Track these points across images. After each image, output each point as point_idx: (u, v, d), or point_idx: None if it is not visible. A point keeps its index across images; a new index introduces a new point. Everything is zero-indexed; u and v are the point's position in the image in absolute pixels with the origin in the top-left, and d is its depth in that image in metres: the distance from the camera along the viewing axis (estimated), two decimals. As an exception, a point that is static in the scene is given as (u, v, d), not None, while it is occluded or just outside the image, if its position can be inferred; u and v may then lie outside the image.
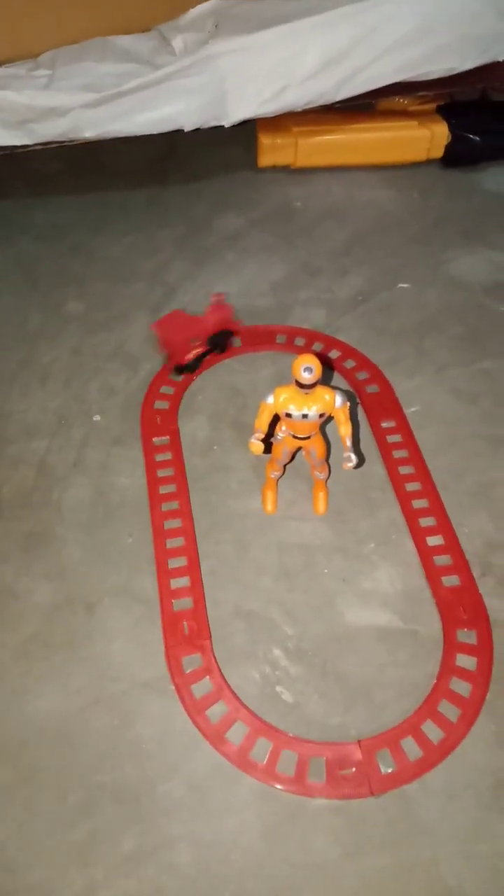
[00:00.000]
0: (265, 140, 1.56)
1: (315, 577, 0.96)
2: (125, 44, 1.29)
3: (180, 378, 1.16)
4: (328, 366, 1.20)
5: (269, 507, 1.03)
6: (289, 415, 0.86)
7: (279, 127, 1.56)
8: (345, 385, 1.18)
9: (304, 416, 0.85)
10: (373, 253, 1.44)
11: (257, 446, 0.87)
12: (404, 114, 1.60)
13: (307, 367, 0.79)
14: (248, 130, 1.62)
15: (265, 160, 1.59)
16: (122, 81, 1.19)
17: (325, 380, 1.08)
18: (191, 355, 1.14)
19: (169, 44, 1.28)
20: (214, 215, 1.53)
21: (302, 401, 0.84)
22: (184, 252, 1.45)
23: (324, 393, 0.84)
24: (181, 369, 1.15)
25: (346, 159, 1.60)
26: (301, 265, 1.41)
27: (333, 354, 1.23)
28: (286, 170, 1.64)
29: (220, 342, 1.18)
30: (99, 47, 1.28)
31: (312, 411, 0.85)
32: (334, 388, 0.85)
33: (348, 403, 0.85)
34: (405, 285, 1.36)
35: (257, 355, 1.25)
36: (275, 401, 0.85)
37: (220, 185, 1.62)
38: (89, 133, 1.22)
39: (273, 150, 1.57)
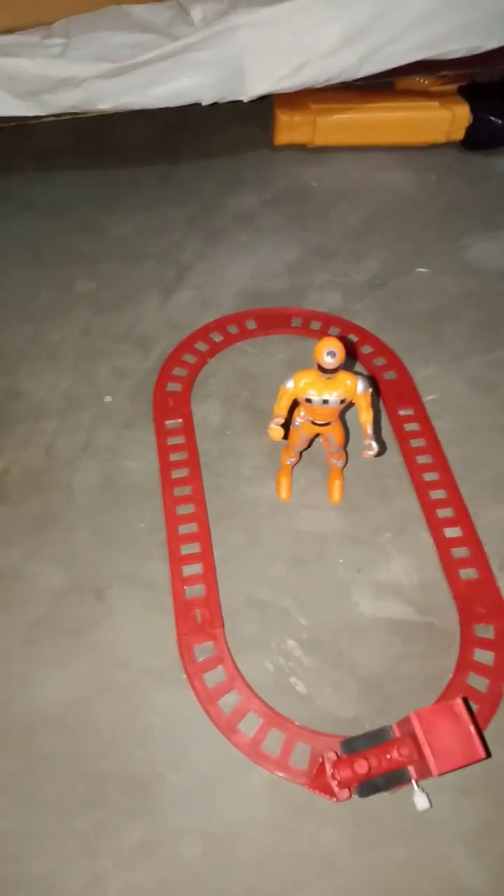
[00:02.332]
0: (283, 117, 1.52)
1: (329, 566, 0.94)
2: (142, 13, 1.24)
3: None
4: (351, 351, 1.17)
5: (284, 493, 1.01)
6: (309, 400, 0.83)
7: (297, 104, 1.52)
8: (361, 371, 1.16)
9: (325, 401, 0.83)
10: (389, 236, 1.41)
11: (277, 432, 0.85)
12: (424, 94, 1.56)
13: (330, 351, 0.77)
14: (262, 107, 1.58)
15: (282, 138, 1.55)
16: (139, 52, 1.15)
17: (347, 365, 1.06)
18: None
19: (187, 14, 1.23)
20: (227, 194, 1.50)
21: (323, 386, 0.82)
22: (196, 231, 1.42)
23: (345, 378, 0.82)
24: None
25: (364, 139, 1.56)
26: (316, 247, 1.38)
27: (350, 339, 1.20)
28: (301, 149, 1.60)
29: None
30: (115, 16, 1.24)
31: (333, 397, 0.82)
32: (356, 373, 0.83)
33: (370, 390, 0.83)
34: (422, 270, 1.33)
35: (271, 338, 1.22)
36: (295, 385, 0.83)
37: (234, 163, 1.58)
38: (103, 105, 1.18)
39: (290, 128, 1.53)
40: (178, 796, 0.77)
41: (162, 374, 1.14)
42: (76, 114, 1.23)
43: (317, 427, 0.89)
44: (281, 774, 0.78)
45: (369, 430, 0.84)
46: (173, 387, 1.13)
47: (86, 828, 0.75)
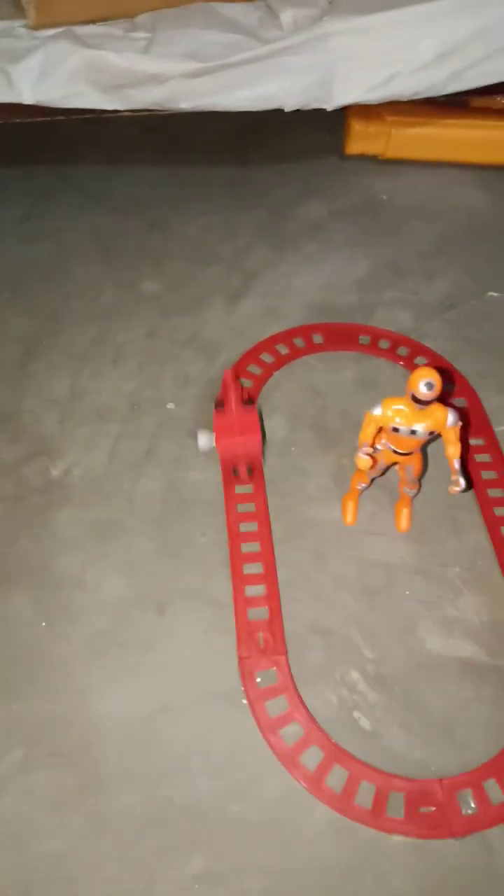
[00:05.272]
0: (357, 126, 1.49)
1: (396, 598, 0.92)
2: (231, 13, 1.21)
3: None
4: (448, 383, 1.13)
5: (350, 518, 0.98)
6: (396, 429, 0.81)
7: (372, 115, 1.49)
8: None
9: (413, 432, 0.80)
10: (462, 256, 1.37)
11: (365, 461, 0.82)
12: (502, 113, 1.53)
13: (428, 383, 0.74)
14: (334, 113, 1.53)
15: (354, 147, 1.52)
16: (228, 53, 1.12)
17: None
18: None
19: (277, 17, 1.20)
20: (297, 201, 1.47)
21: (413, 416, 0.79)
22: (264, 238, 1.39)
23: (437, 410, 0.79)
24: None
25: (439, 155, 1.52)
26: (386, 263, 1.35)
27: (419, 361, 1.17)
28: (373, 160, 1.57)
29: None
30: (203, 13, 1.21)
31: (422, 428, 0.80)
32: (448, 405, 0.80)
33: (461, 424, 0.80)
34: (495, 294, 1.30)
35: (338, 354, 1.19)
36: (383, 413, 0.80)
37: (303, 170, 1.55)
38: (185, 104, 1.16)
39: (364, 138, 1.50)
40: (240, 827, 0.75)
41: (228, 385, 1.12)
42: (154, 111, 1.20)
43: (397, 456, 0.87)
44: (345, 813, 0.75)
45: (456, 465, 0.82)
46: (239, 398, 1.10)
47: (146, 852, 0.73)
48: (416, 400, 0.77)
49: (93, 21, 1.26)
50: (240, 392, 0.98)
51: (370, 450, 0.82)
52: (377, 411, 0.81)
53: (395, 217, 1.45)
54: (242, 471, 1.00)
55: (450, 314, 1.26)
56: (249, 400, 1.04)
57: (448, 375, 1.15)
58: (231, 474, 1.01)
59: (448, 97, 1.38)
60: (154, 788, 0.77)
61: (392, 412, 0.80)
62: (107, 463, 1.03)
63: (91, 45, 1.17)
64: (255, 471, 1.01)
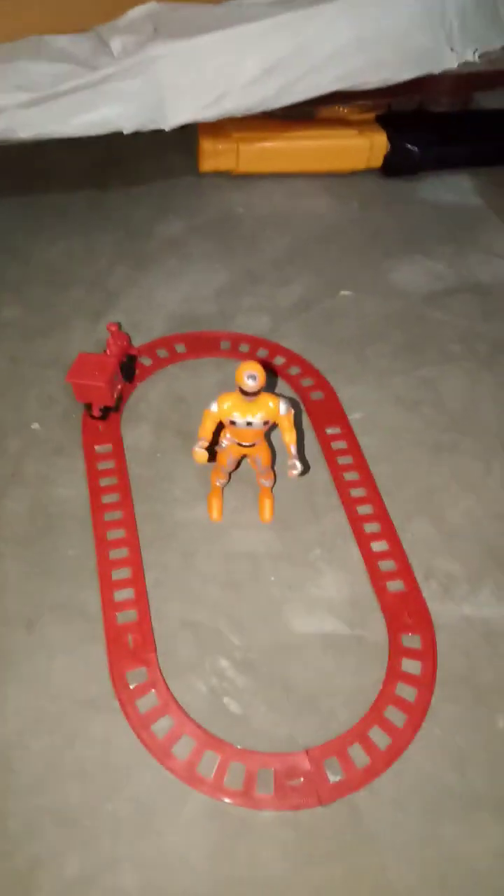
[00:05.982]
0: (206, 145, 1.55)
1: (261, 585, 0.95)
2: (61, 44, 1.26)
3: (105, 418, 1.12)
4: (272, 372, 1.20)
5: (215, 514, 1.02)
6: (233, 422, 0.85)
7: (220, 132, 1.55)
8: (289, 391, 1.18)
9: (249, 423, 0.85)
10: (314, 261, 1.45)
11: (201, 455, 0.86)
12: (343, 122, 1.62)
13: (251, 375, 0.79)
14: (190, 136, 1.61)
15: (206, 165, 1.59)
16: (59, 82, 1.16)
17: (270, 387, 1.08)
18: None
19: (107, 45, 1.25)
20: (156, 220, 1.52)
21: (246, 408, 0.84)
22: (125, 257, 1.43)
23: (268, 400, 0.84)
24: (109, 409, 1.12)
25: (287, 166, 1.60)
26: (244, 272, 1.41)
27: (278, 361, 1.23)
28: (227, 176, 1.64)
29: (128, 371, 1.16)
30: (34, 46, 1.24)
31: (256, 419, 0.84)
32: (278, 395, 0.85)
33: (293, 411, 0.85)
34: (347, 293, 1.37)
35: (201, 361, 1.23)
36: (218, 408, 0.84)
37: (162, 190, 1.61)
38: (24, 134, 1.18)
39: (214, 156, 1.56)
40: (114, 825, 0.76)
41: (91, 400, 1.14)
42: (4, 145, 1.22)
43: (243, 448, 0.91)
44: (216, 797, 0.78)
45: (293, 450, 0.86)
46: (103, 412, 1.13)
47: (21, 864, 0.73)
48: (244, 393, 0.81)
49: None
50: (118, 344, 1.11)
51: (205, 443, 0.86)
52: (213, 407, 0.85)
53: (251, 228, 1.51)
54: (95, 411, 1.10)
55: (305, 315, 1.32)
56: (132, 357, 1.17)
57: (270, 371, 1.20)
58: (87, 413, 1.12)
59: (295, 109, 1.46)
60: (26, 800, 0.77)
61: (227, 407, 0.84)
62: (-30, 490, 1.03)
63: None
64: (110, 416, 1.13)
